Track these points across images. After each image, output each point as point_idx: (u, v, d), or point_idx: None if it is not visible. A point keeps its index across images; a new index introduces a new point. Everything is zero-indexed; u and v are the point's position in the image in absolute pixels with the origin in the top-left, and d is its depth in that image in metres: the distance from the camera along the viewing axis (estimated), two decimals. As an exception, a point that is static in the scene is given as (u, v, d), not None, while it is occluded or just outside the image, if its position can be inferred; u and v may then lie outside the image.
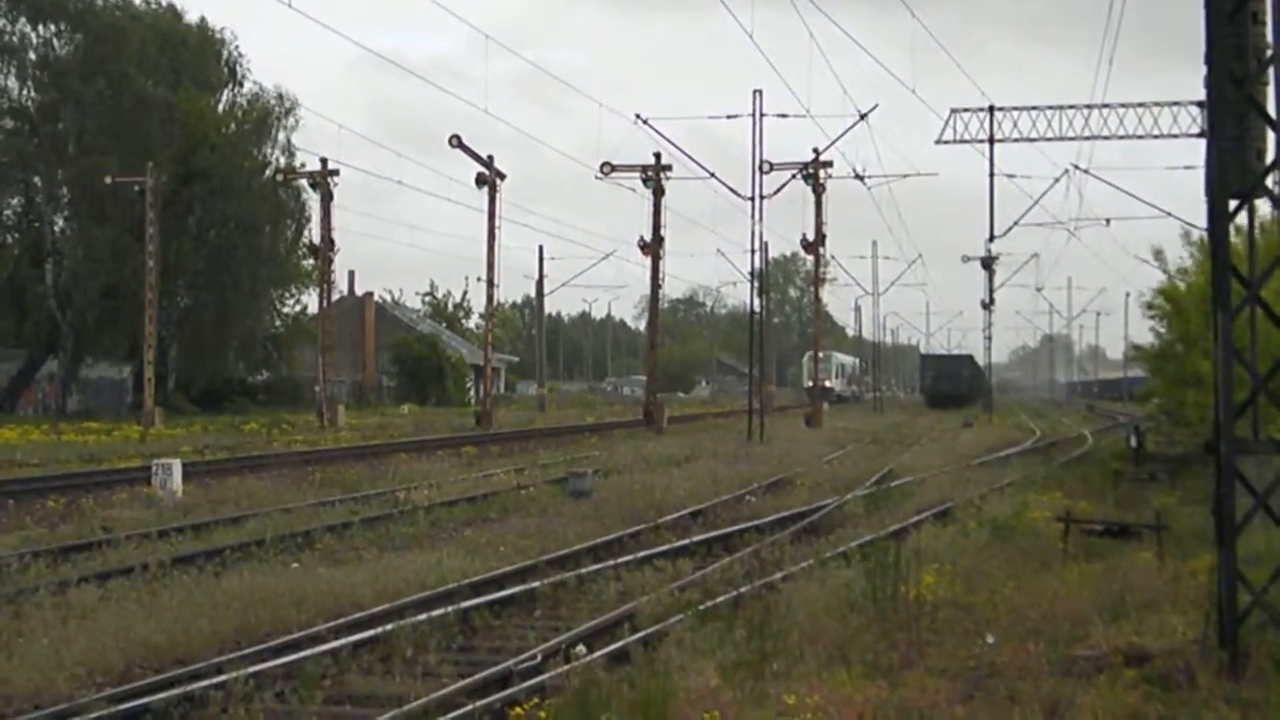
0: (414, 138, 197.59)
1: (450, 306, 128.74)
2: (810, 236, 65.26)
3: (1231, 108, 10.74)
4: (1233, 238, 11.94)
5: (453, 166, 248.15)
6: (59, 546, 18.76)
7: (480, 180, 58.55)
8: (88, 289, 64.59)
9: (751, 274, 56.98)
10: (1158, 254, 33.97)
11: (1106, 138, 56.74)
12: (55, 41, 67.58)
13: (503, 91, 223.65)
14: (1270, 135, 10.98)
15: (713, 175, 56.73)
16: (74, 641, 12.14)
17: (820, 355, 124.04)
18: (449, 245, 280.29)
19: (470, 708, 9.94)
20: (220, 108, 73.62)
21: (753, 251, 54.30)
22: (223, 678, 10.62)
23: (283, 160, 72.75)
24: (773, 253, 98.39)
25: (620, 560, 17.30)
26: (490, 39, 79.16)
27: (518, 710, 10.16)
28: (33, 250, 68.60)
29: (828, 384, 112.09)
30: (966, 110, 60.80)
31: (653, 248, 59.76)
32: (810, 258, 71.10)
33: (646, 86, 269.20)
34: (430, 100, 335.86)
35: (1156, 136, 55.68)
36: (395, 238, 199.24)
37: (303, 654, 11.60)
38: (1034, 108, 59.64)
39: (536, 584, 15.42)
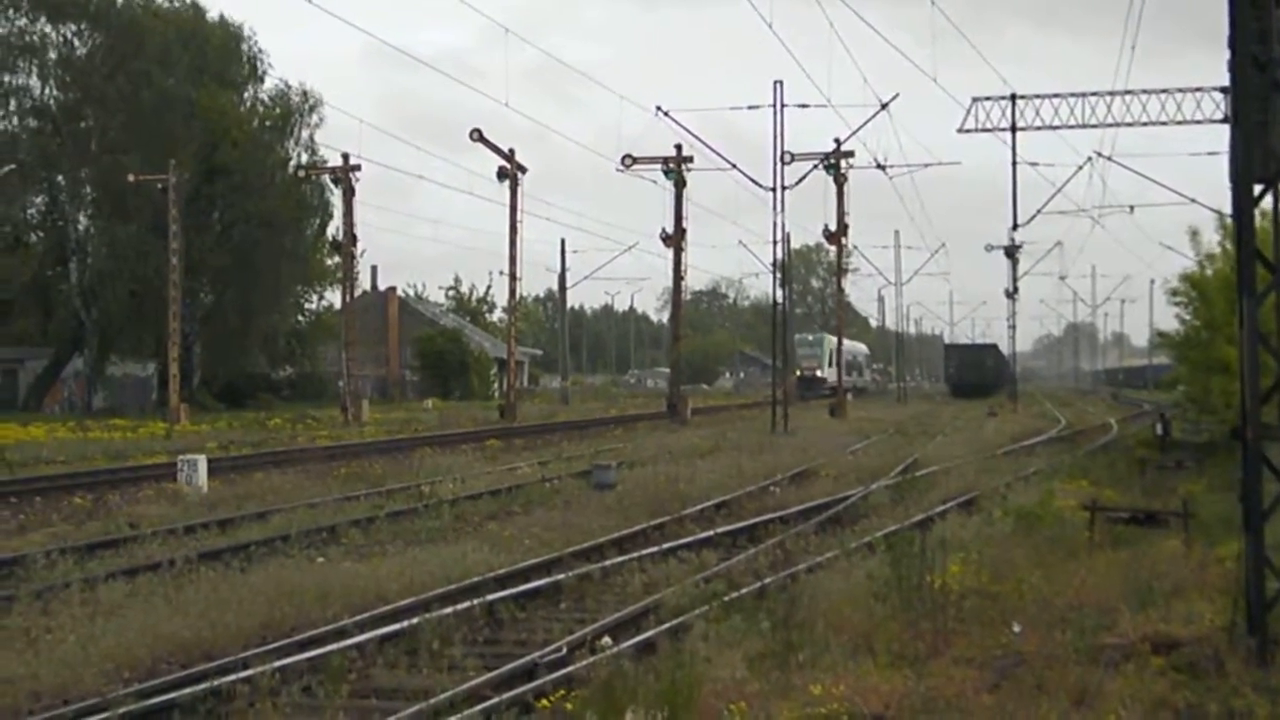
0: (427, 131, 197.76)
1: (473, 300, 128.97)
2: (832, 227, 65.26)
3: (1255, 92, 10.67)
4: (1258, 223, 11.86)
5: (470, 159, 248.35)
6: (86, 543, 18.85)
7: (502, 174, 58.54)
8: (112, 287, 64.77)
9: (774, 265, 57.03)
10: (1193, 235, 33.82)
11: (1129, 124, 56.71)
12: (76, 40, 67.75)
13: (516, 84, 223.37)
14: (1294, 119, 10.91)
15: (734, 166, 56.76)
16: (101, 637, 12.20)
17: (810, 338, 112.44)
18: (470, 239, 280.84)
19: (496, 700, 9.95)
20: (242, 105, 73.76)
21: (775, 242, 54.42)
22: (249, 672, 10.65)
23: (304, 157, 73.01)
24: (795, 243, 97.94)
25: (645, 552, 17.29)
26: (510, 32, 78.91)
27: (544, 702, 10.18)
28: (57, 249, 68.88)
29: (818, 373, 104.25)
30: (988, 99, 60.88)
31: (675, 240, 59.77)
32: (833, 248, 71.08)
33: (664, 78, 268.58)
34: (442, 93, 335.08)
35: (1180, 123, 55.62)
36: (416, 232, 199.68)
37: (328, 648, 11.62)
38: (1056, 95, 59.68)
39: (561, 576, 15.43)
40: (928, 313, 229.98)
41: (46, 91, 67.99)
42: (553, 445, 42.93)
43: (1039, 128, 60.45)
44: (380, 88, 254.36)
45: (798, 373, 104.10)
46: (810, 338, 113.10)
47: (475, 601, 13.58)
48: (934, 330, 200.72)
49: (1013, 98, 60.93)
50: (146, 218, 63.13)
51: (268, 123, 73.29)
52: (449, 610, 13.03)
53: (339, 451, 37.84)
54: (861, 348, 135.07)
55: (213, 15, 74.35)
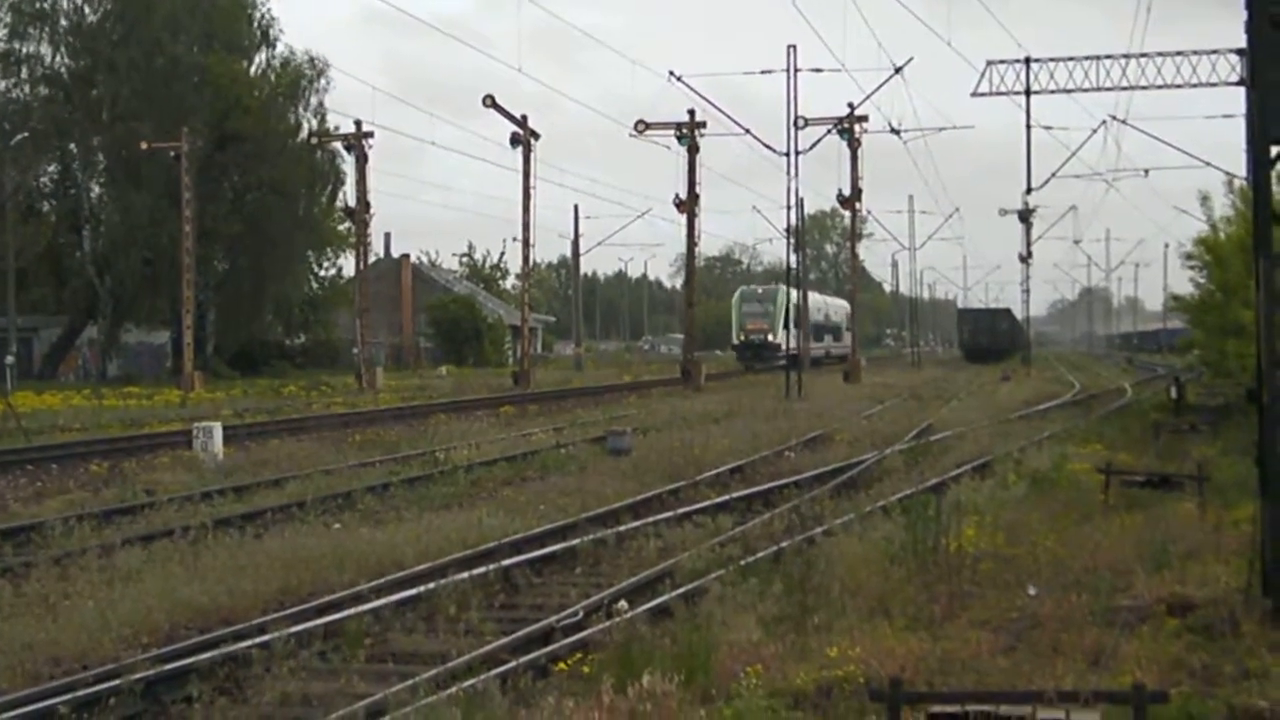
0: (431, 96, 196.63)
1: (486, 267, 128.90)
2: (846, 192, 65.10)
3: (1272, 54, 10.60)
4: (1274, 185, 11.80)
5: (481, 125, 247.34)
6: (103, 510, 18.94)
7: (515, 140, 58.37)
8: (125, 255, 64.81)
9: (788, 230, 56.84)
10: (1204, 199, 33.71)
11: (1144, 88, 56.38)
12: (86, 7, 67.66)
13: (521, 47, 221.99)
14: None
15: (747, 131, 56.46)
16: (119, 603, 12.26)
17: (759, 291, 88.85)
18: (482, 205, 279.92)
19: (514, 664, 9.98)
20: (253, 71, 73.57)
21: (789, 208, 54.06)
22: (266, 637, 10.71)
23: (315, 123, 72.85)
24: (809, 208, 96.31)
25: (660, 517, 17.30)
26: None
27: (561, 666, 10.23)
28: (70, 217, 68.97)
29: (769, 338, 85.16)
30: (1003, 62, 60.53)
31: (688, 205, 59.64)
32: (846, 213, 70.96)
33: (676, 43, 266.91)
34: (445, 58, 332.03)
35: (1195, 85, 55.25)
36: (426, 198, 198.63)
37: (345, 613, 11.67)
38: (1071, 58, 59.31)
39: (577, 541, 15.46)
40: (941, 277, 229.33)
41: (58, 59, 68.02)
42: (567, 411, 42.95)
43: (1053, 91, 60.12)
44: (383, 52, 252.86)
45: (741, 337, 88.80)
46: (759, 291, 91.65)
47: (491, 567, 13.62)
48: (948, 295, 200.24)
49: (1027, 61, 60.59)
50: (159, 185, 63.09)
51: (278, 89, 73.06)
52: (465, 575, 13.07)
53: (354, 418, 37.92)
54: (841, 304, 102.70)
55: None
